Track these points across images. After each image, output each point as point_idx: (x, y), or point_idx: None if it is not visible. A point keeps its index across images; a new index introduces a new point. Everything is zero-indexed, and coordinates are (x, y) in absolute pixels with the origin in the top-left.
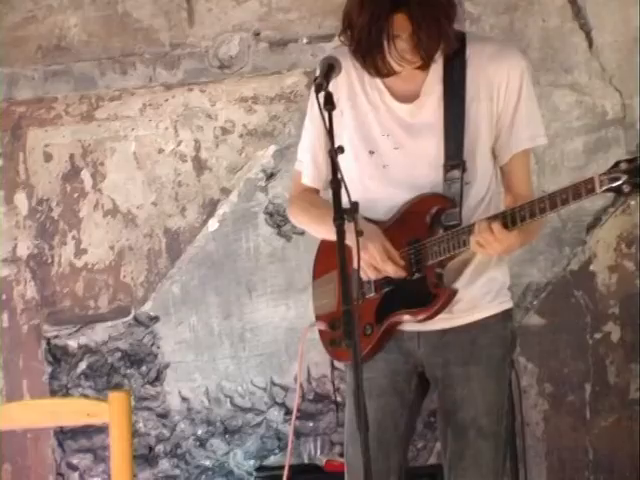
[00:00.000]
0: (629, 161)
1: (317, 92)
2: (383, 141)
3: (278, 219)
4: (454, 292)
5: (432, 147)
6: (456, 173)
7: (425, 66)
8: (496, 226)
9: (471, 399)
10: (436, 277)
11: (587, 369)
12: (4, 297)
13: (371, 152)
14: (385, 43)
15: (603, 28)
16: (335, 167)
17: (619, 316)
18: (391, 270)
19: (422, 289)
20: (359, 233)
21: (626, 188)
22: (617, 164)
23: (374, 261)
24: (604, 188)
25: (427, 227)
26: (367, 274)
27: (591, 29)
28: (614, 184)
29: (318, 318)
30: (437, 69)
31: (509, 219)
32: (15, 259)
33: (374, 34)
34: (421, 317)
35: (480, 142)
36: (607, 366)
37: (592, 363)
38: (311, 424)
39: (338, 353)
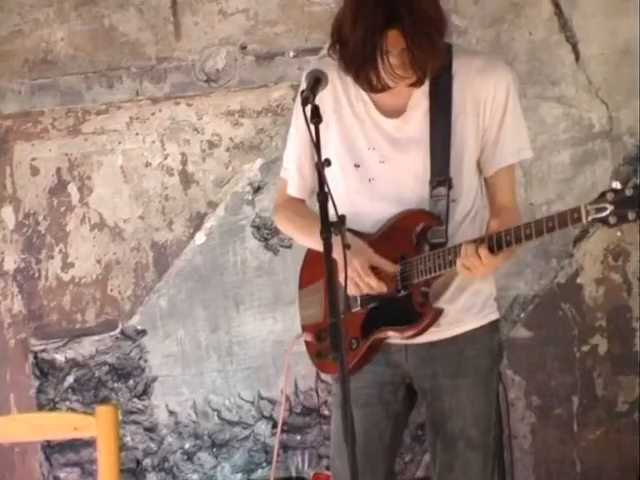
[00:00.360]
0: (615, 192)
1: (304, 105)
2: (369, 154)
3: (265, 232)
4: (439, 312)
5: (418, 162)
6: (442, 190)
7: (420, 82)
8: (483, 251)
9: (460, 410)
10: (422, 296)
11: (574, 382)
12: None
13: (357, 165)
14: (379, 59)
15: (589, 41)
16: (322, 180)
17: (606, 329)
18: (374, 284)
19: (408, 307)
20: (347, 247)
21: (612, 219)
22: (604, 194)
23: (357, 278)
24: (590, 218)
25: (413, 244)
26: (350, 289)
27: (577, 42)
28: (600, 215)
29: (304, 329)
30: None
31: (495, 243)
32: (2, 273)
33: (368, 50)
34: (407, 335)
35: (466, 157)
36: (594, 379)
37: (579, 376)
38: (298, 437)
39: (324, 365)
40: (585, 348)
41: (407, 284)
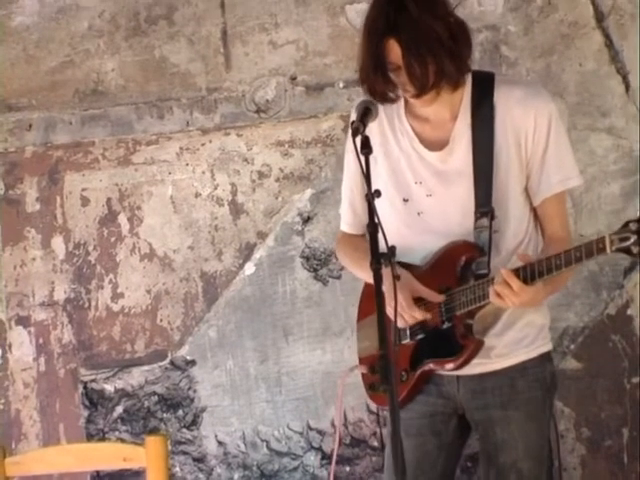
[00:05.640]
0: (639, 221)
1: (354, 135)
2: (416, 188)
3: (314, 263)
4: (481, 343)
5: (463, 194)
6: (485, 221)
7: (418, 96)
8: (513, 281)
9: (512, 443)
10: (465, 327)
11: (624, 414)
12: (41, 341)
13: (405, 199)
14: (379, 68)
15: None
16: (372, 211)
17: None
18: (418, 315)
19: (451, 339)
20: (396, 278)
21: (635, 248)
22: (627, 224)
23: (402, 311)
24: (614, 248)
25: (457, 276)
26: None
27: (627, 73)
28: (624, 244)
29: (361, 361)
30: (465, 115)
31: (528, 274)
32: (52, 303)
33: (372, 58)
34: (448, 368)
35: (511, 187)
36: None
37: (629, 407)
38: (347, 469)
39: (376, 397)
40: (635, 380)
41: (451, 316)
